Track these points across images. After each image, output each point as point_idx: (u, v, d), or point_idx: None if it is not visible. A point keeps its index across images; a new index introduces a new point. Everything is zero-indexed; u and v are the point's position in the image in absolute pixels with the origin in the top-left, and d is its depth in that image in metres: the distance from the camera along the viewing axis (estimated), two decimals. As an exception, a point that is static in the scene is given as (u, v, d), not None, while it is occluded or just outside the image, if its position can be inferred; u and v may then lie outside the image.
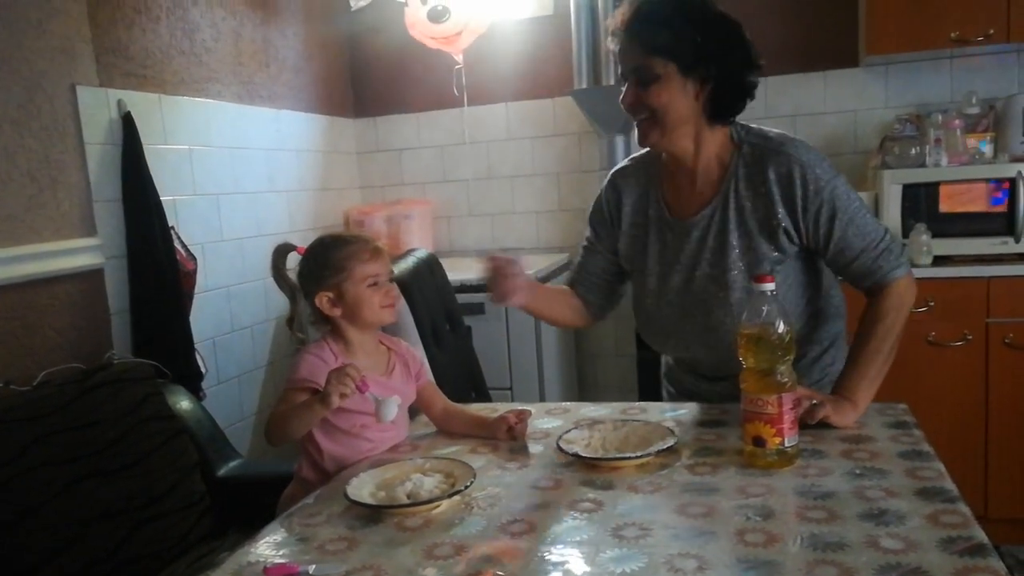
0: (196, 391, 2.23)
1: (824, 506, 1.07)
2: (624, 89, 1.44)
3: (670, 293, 1.55)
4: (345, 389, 1.28)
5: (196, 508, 1.86)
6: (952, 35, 2.64)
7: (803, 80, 3.08)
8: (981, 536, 0.95)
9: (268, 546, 1.10)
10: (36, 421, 1.64)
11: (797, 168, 1.41)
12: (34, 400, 1.69)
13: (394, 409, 1.35)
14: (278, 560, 1.04)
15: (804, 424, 1.30)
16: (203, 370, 2.35)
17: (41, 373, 1.84)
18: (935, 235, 2.57)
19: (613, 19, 1.44)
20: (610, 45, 1.47)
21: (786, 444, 1.22)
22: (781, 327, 1.22)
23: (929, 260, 2.56)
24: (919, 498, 1.08)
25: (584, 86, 3.11)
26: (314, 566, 1.01)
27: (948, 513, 1.02)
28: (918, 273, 2.48)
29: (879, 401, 1.49)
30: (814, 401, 1.37)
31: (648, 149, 1.53)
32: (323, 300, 1.45)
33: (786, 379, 1.22)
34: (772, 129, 1.49)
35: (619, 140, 3.10)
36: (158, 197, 2.23)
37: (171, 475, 1.85)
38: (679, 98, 1.39)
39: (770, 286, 1.24)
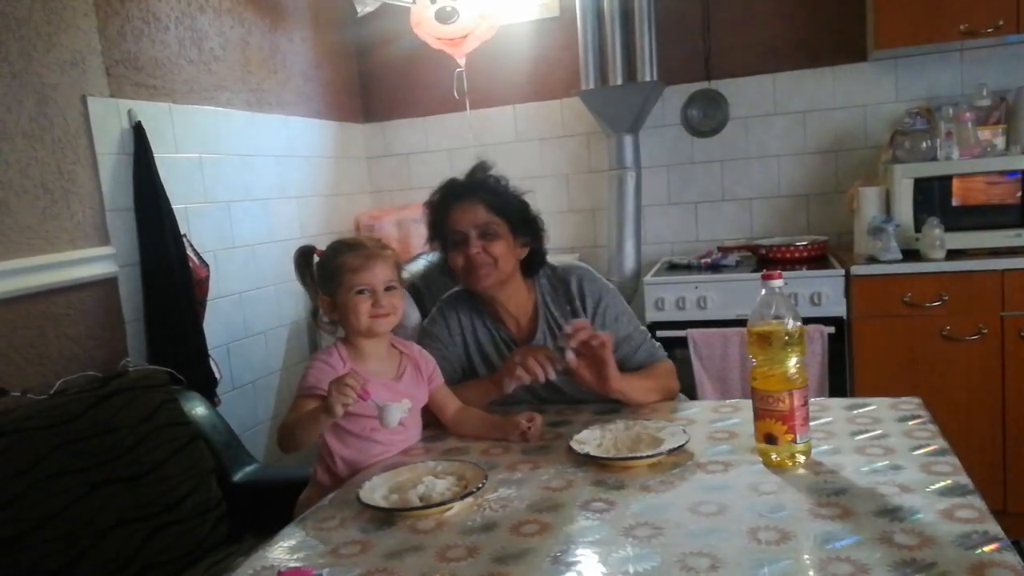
0: (211, 397, 2.24)
1: (838, 502, 1.07)
2: (466, 244, 1.65)
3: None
4: (345, 399, 1.29)
5: (212, 514, 1.87)
6: (961, 27, 2.62)
7: (812, 76, 3.07)
8: (997, 530, 0.95)
9: (283, 550, 1.11)
10: (53, 429, 1.66)
11: (575, 281, 1.75)
12: (51, 408, 1.70)
13: (396, 415, 1.35)
14: (293, 564, 1.05)
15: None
16: (217, 376, 2.36)
17: (58, 382, 1.86)
18: (948, 229, 2.55)
19: (441, 190, 1.72)
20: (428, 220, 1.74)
21: (798, 441, 1.21)
22: (791, 323, 1.22)
23: (942, 254, 2.54)
24: (934, 493, 1.07)
25: (591, 87, 3.11)
26: (327, 570, 1.02)
27: (964, 508, 1.02)
28: (932, 268, 2.51)
29: (893, 395, 1.48)
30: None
31: (442, 301, 1.82)
32: (323, 304, 1.49)
33: (796, 375, 1.22)
34: (551, 261, 1.80)
35: (627, 139, 3.10)
36: (170, 205, 2.25)
37: (187, 481, 1.86)
38: (511, 254, 1.68)
39: (779, 283, 1.24)
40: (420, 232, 3.31)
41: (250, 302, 2.71)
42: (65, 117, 2.05)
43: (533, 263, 1.76)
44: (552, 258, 1.81)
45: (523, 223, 1.71)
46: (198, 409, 2.05)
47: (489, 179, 1.73)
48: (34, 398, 1.75)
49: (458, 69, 3.22)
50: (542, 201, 3.21)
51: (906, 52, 2.89)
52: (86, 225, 2.09)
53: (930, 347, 2.51)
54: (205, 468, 1.92)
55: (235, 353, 2.61)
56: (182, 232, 2.29)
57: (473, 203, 1.67)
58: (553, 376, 1.57)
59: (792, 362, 1.22)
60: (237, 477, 2.02)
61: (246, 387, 2.67)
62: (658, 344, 1.82)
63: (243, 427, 2.51)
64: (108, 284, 2.14)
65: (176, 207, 2.28)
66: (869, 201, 2.73)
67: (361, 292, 1.44)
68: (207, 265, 2.39)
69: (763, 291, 1.25)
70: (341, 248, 1.49)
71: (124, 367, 2.01)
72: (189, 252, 2.32)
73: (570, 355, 1.53)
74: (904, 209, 2.64)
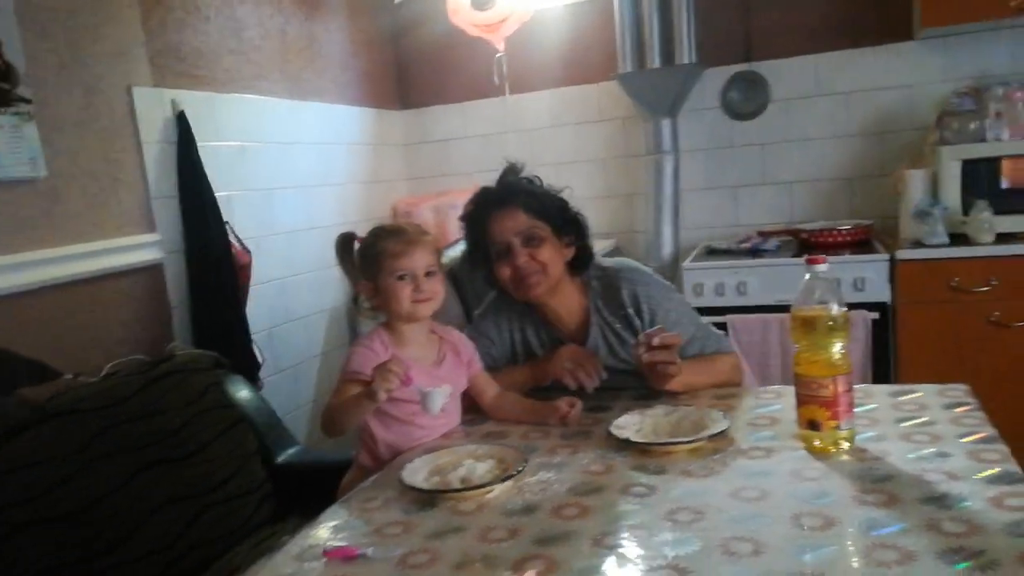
0: (254, 381, 2.29)
1: (883, 489, 1.06)
2: (510, 254, 1.61)
3: None
4: (389, 385, 1.30)
5: (257, 494, 1.92)
6: (1012, 2, 2.54)
7: (856, 56, 3.00)
8: (1051, 520, 0.93)
9: (327, 530, 1.13)
10: (104, 411, 1.70)
11: (628, 287, 1.67)
12: (102, 391, 1.75)
13: (439, 401, 1.36)
14: (337, 543, 1.07)
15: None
16: (260, 360, 2.41)
17: (108, 365, 1.91)
18: (997, 212, 2.49)
19: (476, 200, 1.68)
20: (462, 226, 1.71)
21: (842, 427, 1.20)
22: (835, 308, 1.20)
23: (991, 238, 2.48)
24: (982, 480, 1.05)
25: (629, 70, 3.08)
26: (371, 549, 1.04)
27: (1013, 496, 1.00)
28: (981, 252, 2.45)
29: (939, 382, 1.45)
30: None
31: (493, 299, 1.77)
32: (365, 290, 1.50)
33: (840, 361, 1.20)
34: (605, 259, 1.76)
35: (665, 123, 3.07)
36: (212, 193, 2.29)
37: (232, 462, 1.90)
38: (558, 256, 1.63)
39: (823, 268, 1.22)
40: (457, 219, 3.36)
41: (291, 288, 2.75)
42: (112, 106, 2.09)
43: (581, 262, 1.70)
44: (594, 242, 1.78)
45: (565, 222, 1.66)
46: (242, 392, 2.09)
47: (523, 181, 1.69)
48: (85, 381, 1.80)
49: (498, 54, 3.22)
50: (578, 187, 3.19)
51: (954, 30, 2.80)
52: (132, 212, 2.14)
53: (978, 333, 2.45)
54: (249, 450, 1.96)
55: (277, 338, 2.66)
56: (224, 219, 2.33)
57: (511, 210, 1.62)
58: (597, 384, 1.57)
59: (836, 348, 1.20)
60: (280, 459, 2.06)
61: (287, 371, 2.71)
62: (722, 335, 1.76)
63: (285, 410, 2.55)
64: (154, 270, 2.19)
65: (218, 195, 2.32)
66: (915, 184, 2.66)
67: (402, 277, 1.45)
68: (249, 251, 2.43)
69: (807, 276, 1.23)
70: (381, 234, 1.50)
71: (171, 351, 2.06)
72: (231, 238, 2.36)
73: (645, 357, 1.50)
74: (951, 192, 2.58)
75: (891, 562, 0.87)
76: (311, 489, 1.62)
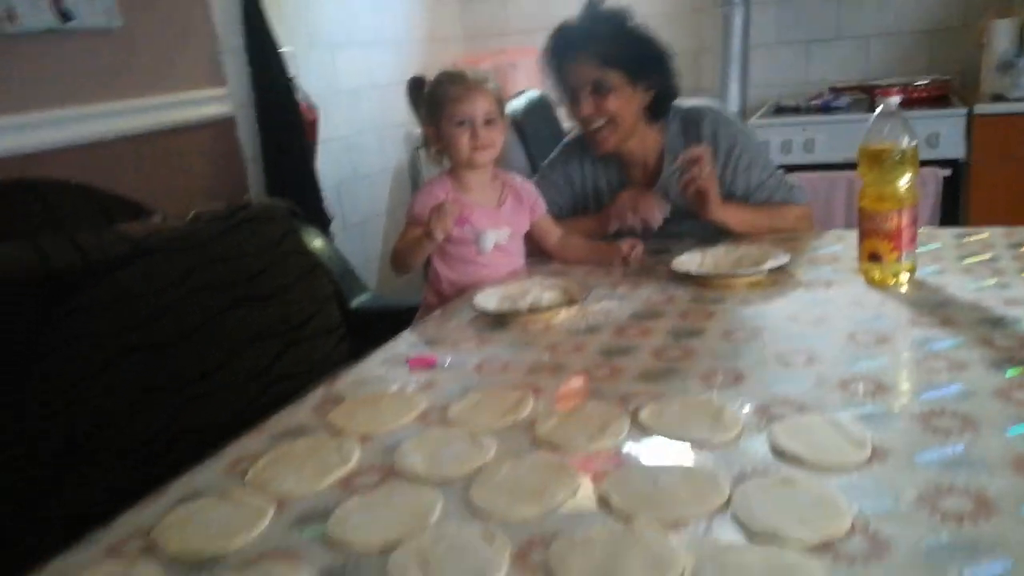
0: (325, 234, 2.39)
1: (938, 313, 1.09)
2: (578, 103, 1.60)
3: None
4: (443, 225, 1.36)
5: (335, 334, 2.05)
6: None
7: None
8: (1103, 336, 0.95)
9: (407, 344, 1.23)
10: (192, 251, 1.81)
11: (710, 124, 1.65)
12: (188, 234, 1.85)
13: (491, 240, 1.45)
14: (418, 353, 1.17)
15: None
16: (331, 215, 2.50)
17: (191, 211, 2.02)
18: (1089, 62, 2.35)
19: (551, 43, 1.64)
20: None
21: (903, 258, 1.22)
22: (905, 141, 1.19)
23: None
24: (1041, 305, 1.08)
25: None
26: (450, 358, 1.13)
27: (1070, 318, 1.02)
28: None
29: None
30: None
31: (563, 147, 1.77)
32: (428, 133, 1.53)
33: (906, 195, 1.21)
34: (683, 102, 1.70)
35: (736, -27, 2.93)
36: (278, 47, 2.32)
37: (311, 305, 2.02)
38: (630, 104, 1.59)
39: (894, 100, 1.21)
40: (516, 79, 3.32)
41: (356, 147, 2.80)
42: (177, -43, 2.10)
43: (660, 105, 1.65)
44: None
45: (643, 67, 1.60)
46: (316, 242, 2.20)
47: (601, 22, 1.62)
48: (172, 224, 1.91)
49: None
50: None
51: None
52: (202, 65, 2.19)
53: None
54: (326, 293, 2.08)
55: (344, 194, 2.74)
56: (290, 74, 2.36)
57: (583, 57, 1.58)
58: (660, 220, 1.59)
59: (903, 180, 1.21)
60: (354, 304, 2.18)
61: (356, 227, 2.81)
62: (798, 186, 1.72)
63: (354, 263, 2.67)
64: (226, 124, 2.26)
65: (284, 49, 2.34)
66: (1001, 34, 2.52)
67: (461, 124, 1.47)
68: (315, 108, 2.47)
69: (878, 110, 1.22)
70: (444, 78, 1.51)
71: (248, 200, 2.15)
72: (298, 94, 2.40)
73: (683, 178, 1.52)
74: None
75: (941, 369, 0.92)
76: (384, 332, 1.72)
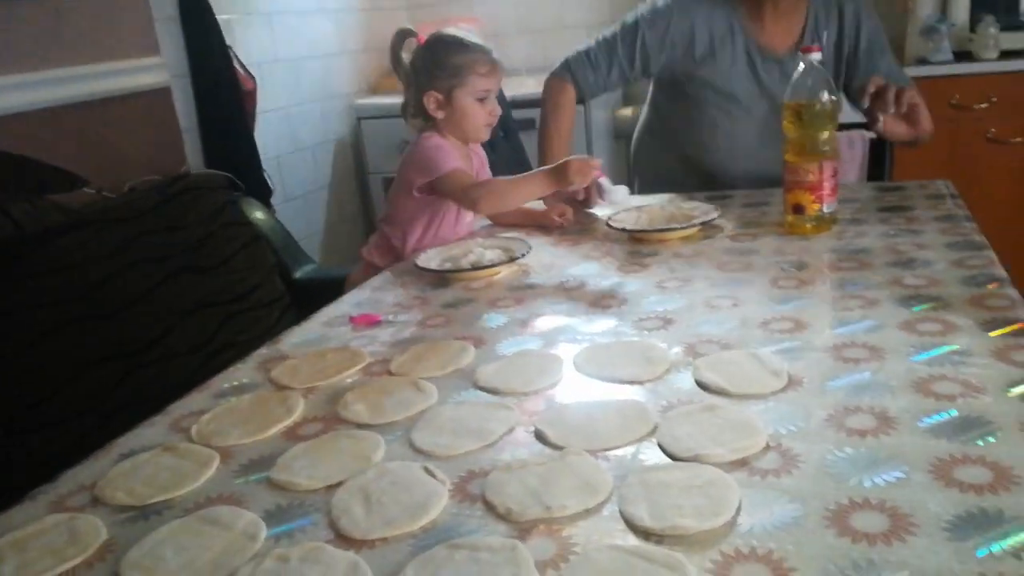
0: (267, 206, 2.37)
1: (856, 258, 1.15)
2: None
3: (753, 119, 1.73)
4: (585, 179, 1.33)
5: (278, 304, 2.05)
6: None
7: None
8: (1002, 273, 1.03)
9: (350, 304, 1.24)
10: (129, 223, 1.79)
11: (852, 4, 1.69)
12: (124, 204, 1.83)
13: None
14: (361, 312, 1.19)
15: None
16: (271, 187, 2.48)
17: (126, 184, 1.99)
18: (1004, 28, 2.46)
19: None
20: None
21: (824, 210, 1.28)
22: (825, 96, 1.25)
23: (995, 54, 2.47)
24: (948, 248, 1.15)
25: None
26: (392, 316, 1.15)
27: (973, 258, 1.09)
28: (982, 68, 2.43)
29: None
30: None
31: None
32: (431, 99, 1.46)
33: (827, 147, 1.27)
34: None
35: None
36: (214, 15, 2.28)
37: (253, 275, 2.01)
38: None
39: (817, 56, 1.26)
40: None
41: (296, 118, 2.77)
42: (105, -78, 2.04)
43: None
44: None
45: None
46: (257, 213, 2.18)
47: None
48: (108, 195, 1.88)
49: None
50: (580, 12, 3.10)
51: None
52: (136, 34, 2.14)
53: (974, 150, 2.49)
54: (268, 264, 2.07)
55: (285, 166, 2.71)
56: (227, 43, 2.32)
57: None
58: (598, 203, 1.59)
59: (824, 135, 1.26)
60: (298, 274, 2.18)
61: (298, 199, 2.79)
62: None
63: (297, 236, 2.65)
64: (162, 93, 2.21)
65: (220, 17, 2.30)
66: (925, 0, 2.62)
67: (482, 99, 1.45)
68: (253, 77, 2.44)
69: (800, 66, 1.27)
70: (462, 47, 1.45)
71: (186, 171, 2.13)
72: (235, 64, 2.36)
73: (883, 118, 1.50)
74: (961, 7, 2.54)
75: (855, 307, 0.98)
76: (328, 302, 1.72)
